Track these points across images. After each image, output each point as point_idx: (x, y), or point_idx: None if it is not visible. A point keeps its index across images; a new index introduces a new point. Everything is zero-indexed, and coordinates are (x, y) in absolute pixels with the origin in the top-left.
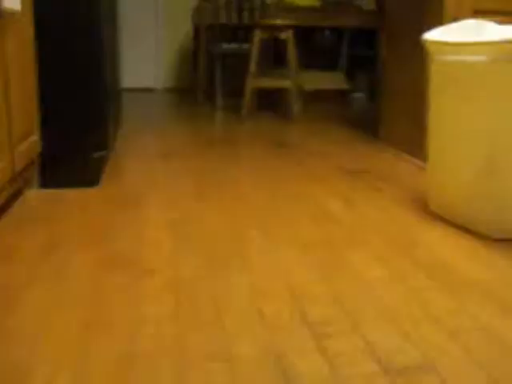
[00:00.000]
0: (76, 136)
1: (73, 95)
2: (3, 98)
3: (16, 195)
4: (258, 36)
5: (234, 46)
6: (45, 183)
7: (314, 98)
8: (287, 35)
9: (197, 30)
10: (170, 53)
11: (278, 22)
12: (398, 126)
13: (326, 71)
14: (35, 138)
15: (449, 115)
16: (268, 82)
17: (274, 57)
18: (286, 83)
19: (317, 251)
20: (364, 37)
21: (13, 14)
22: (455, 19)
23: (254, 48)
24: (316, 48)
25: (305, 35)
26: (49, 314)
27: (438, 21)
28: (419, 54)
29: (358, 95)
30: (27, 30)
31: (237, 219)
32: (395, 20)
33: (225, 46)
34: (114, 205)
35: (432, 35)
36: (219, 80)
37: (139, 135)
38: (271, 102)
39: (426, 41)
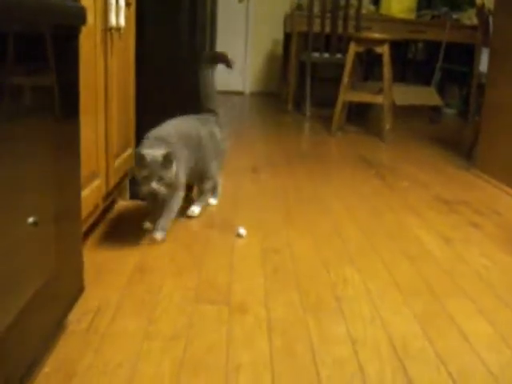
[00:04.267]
0: None
1: (169, 109)
2: (103, 115)
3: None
4: (353, 49)
5: (325, 55)
6: (134, 195)
7: (404, 112)
8: (383, 49)
9: (288, 38)
10: (258, 58)
11: (376, 36)
12: (500, 153)
13: (417, 86)
14: (130, 150)
15: None
16: (361, 96)
17: (366, 69)
18: (379, 99)
19: (415, 299)
20: (457, 51)
21: (118, 29)
22: None
23: (349, 60)
24: (408, 61)
25: (397, 47)
26: (141, 348)
27: None
28: None
29: (449, 111)
30: (130, 47)
31: (329, 252)
32: (504, 36)
33: (316, 55)
34: (202, 225)
35: None
36: (309, 89)
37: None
38: (360, 115)
39: None
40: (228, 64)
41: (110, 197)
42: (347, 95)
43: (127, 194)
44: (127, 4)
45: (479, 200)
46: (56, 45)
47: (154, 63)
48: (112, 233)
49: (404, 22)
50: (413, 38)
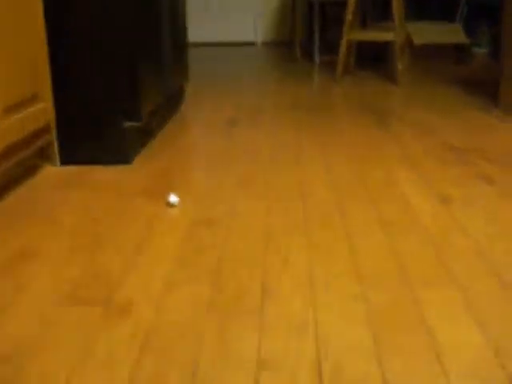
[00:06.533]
0: (99, 102)
1: (95, 49)
2: None
3: (31, 172)
4: None
5: None
6: (66, 159)
7: (426, 53)
8: None
9: None
10: (270, 3)
11: None
12: None
13: (440, 22)
14: (43, 104)
15: None
16: (367, 35)
17: (384, 8)
18: (388, 36)
19: (376, 291)
20: None
21: None
22: None
23: None
24: None
25: None
26: None
27: None
28: None
29: (479, 51)
30: None
31: (280, 222)
32: None
33: None
34: (128, 189)
35: None
36: (317, 33)
37: (214, 96)
38: (374, 59)
39: None
40: None
41: (21, 155)
42: (351, 34)
43: (57, 158)
44: None
45: (497, 148)
46: None
47: None
48: (23, 211)
49: None
50: None
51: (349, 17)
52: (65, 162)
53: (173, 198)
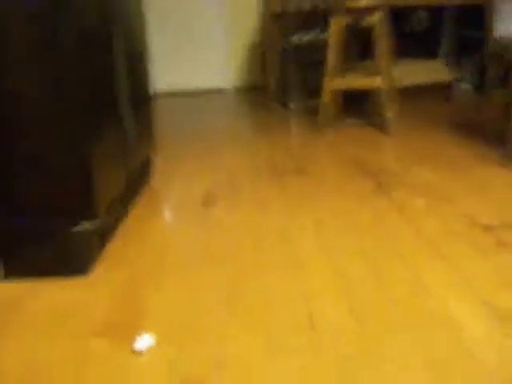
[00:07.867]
0: (43, 203)
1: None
2: None
3: None
4: (336, 24)
5: (309, 36)
6: (9, 272)
7: (410, 93)
8: (374, 20)
9: (264, 20)
10: (238, 47)
11: (363, 2)
12: None
13: (423, 60)
14: None
15: None
16: (352, 82)
17: (362, 46)
18: (375, 82)
19: None
20: (471, 14)
21: None
22: None
23: (332, 39)
24: (409, 32)
25: (395, 17)
26: None
27: None
28: None
29: (464, 86)
30: None
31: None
32: None
33: (297, 37)
34: (86, 327)
35: None
36: (293, 79)
37: (182, 162)
38: (361, 101)
39: None
40: None
41: None
42: (334, 82)
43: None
44: None
45: None
46: None
47: None
48: None
49: None
50: (413, 4)
51: (330, 65)
52: (8, 275)
53: (143, 342)
